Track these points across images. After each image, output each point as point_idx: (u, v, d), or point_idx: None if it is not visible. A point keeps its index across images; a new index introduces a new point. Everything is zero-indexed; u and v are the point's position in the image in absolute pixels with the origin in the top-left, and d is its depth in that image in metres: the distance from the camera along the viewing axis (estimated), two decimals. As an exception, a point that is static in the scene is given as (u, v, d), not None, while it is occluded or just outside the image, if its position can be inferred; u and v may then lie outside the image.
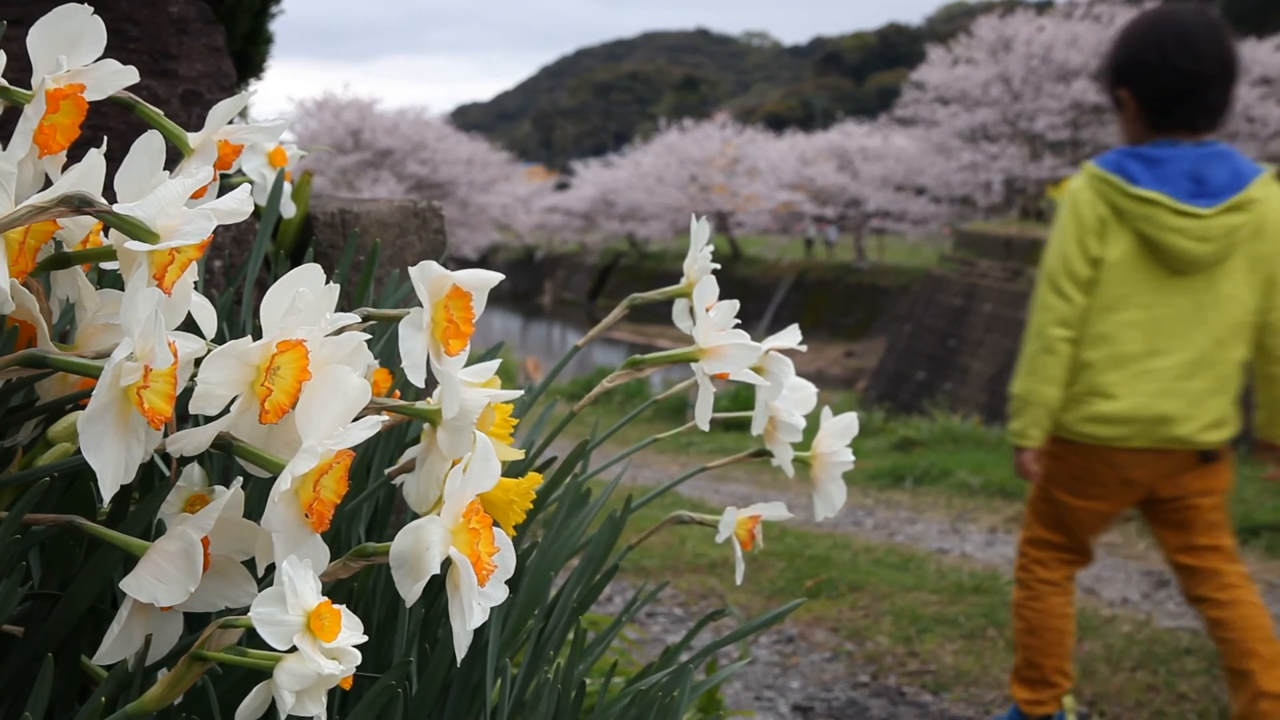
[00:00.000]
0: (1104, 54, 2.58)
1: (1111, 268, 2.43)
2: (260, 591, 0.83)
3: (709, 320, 1.20)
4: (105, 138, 1.02)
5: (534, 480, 1.01)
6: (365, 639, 0.84)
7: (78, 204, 0.86)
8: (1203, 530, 2.58)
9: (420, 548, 0.86)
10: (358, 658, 0.82)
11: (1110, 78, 2.54)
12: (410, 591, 0.86)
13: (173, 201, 0.86)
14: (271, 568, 0.86)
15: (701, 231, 1.23)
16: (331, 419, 0.86)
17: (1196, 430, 2.51)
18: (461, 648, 0.88)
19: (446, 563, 0.87)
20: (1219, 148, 2.44)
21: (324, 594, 0.83)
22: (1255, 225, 2.41)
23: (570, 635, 1.31)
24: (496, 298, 1.07)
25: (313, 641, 0.81)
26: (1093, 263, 2.44)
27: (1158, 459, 2.52)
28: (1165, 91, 2.42)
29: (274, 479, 0.85)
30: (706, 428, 1.21)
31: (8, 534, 0.89)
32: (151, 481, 1.12)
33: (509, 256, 39.40)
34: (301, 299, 0.87)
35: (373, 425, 0.85)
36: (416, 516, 0.95)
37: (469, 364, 1.00)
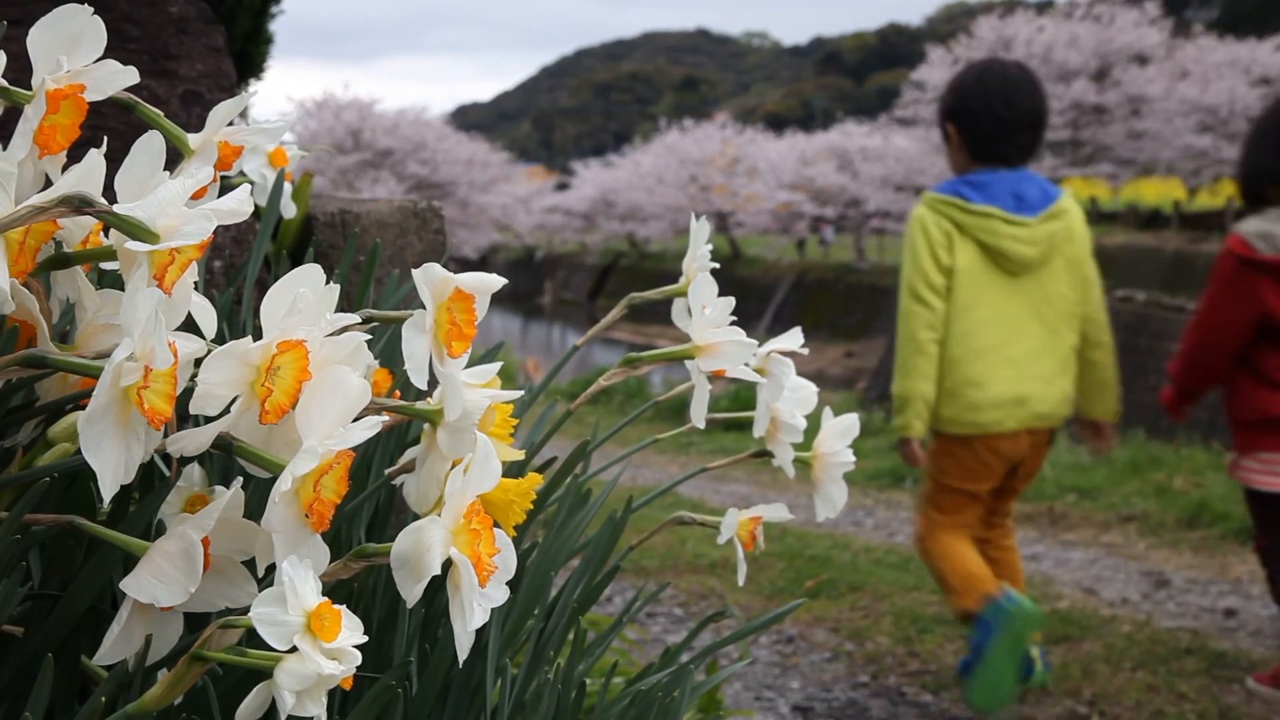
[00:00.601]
0: (943, 91, 3.08)
1: (961, 274, 2.83)
2: (260, 591, 0.83)
3: (705, 317, 1.20)
4: (105, 138, 1.02)
5: (534, 480, 1.01)
6: (365, 639, 0.84)
7: (78, 204, 0.86)
8: (1013, 495, 3.03)
9: (421, 548, 0.86)
10: (358, 658, 0.82)
11: (942, 114, 3.02)
12: (411, 592, 0.86)
13: (173, 202, 0.86)
14: (271, 568, 0.86)
15: (701, 231, 1.23)
16: (332, 419, 0.86)
17: (1053, 407, 2.89)
18: (463, 648, 0.88)
19: (447, 563, 0.87)
20: (1027, 173, 2.92)
21: (324, 594, 0.83)
22: (1067, 231, 2.88)
23: (570, 635, 1.31)
24: (497, 298, 1.07)
25: (313, 642, 0.81)
26: (945, 271, 2.83)
27: (1030, 435, 2.89)
28: (984, 133, 2.91)
29: (274, 479, 0.85)
30: (702, 425, 1.21)
31: (8, 534, 0.88)
32: (151, 481, 1.12)
33: (509, 257, 39.42)
34: (302, 299, 0.87)
35: (373, 426, 0.85)
36: (417, 517, 0.95)
37: (469, 365, 1.00)
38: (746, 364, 1.21)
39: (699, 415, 1.21)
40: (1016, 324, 2.85)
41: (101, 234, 0.96)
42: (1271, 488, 2.85)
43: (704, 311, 1.20)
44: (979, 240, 2.83)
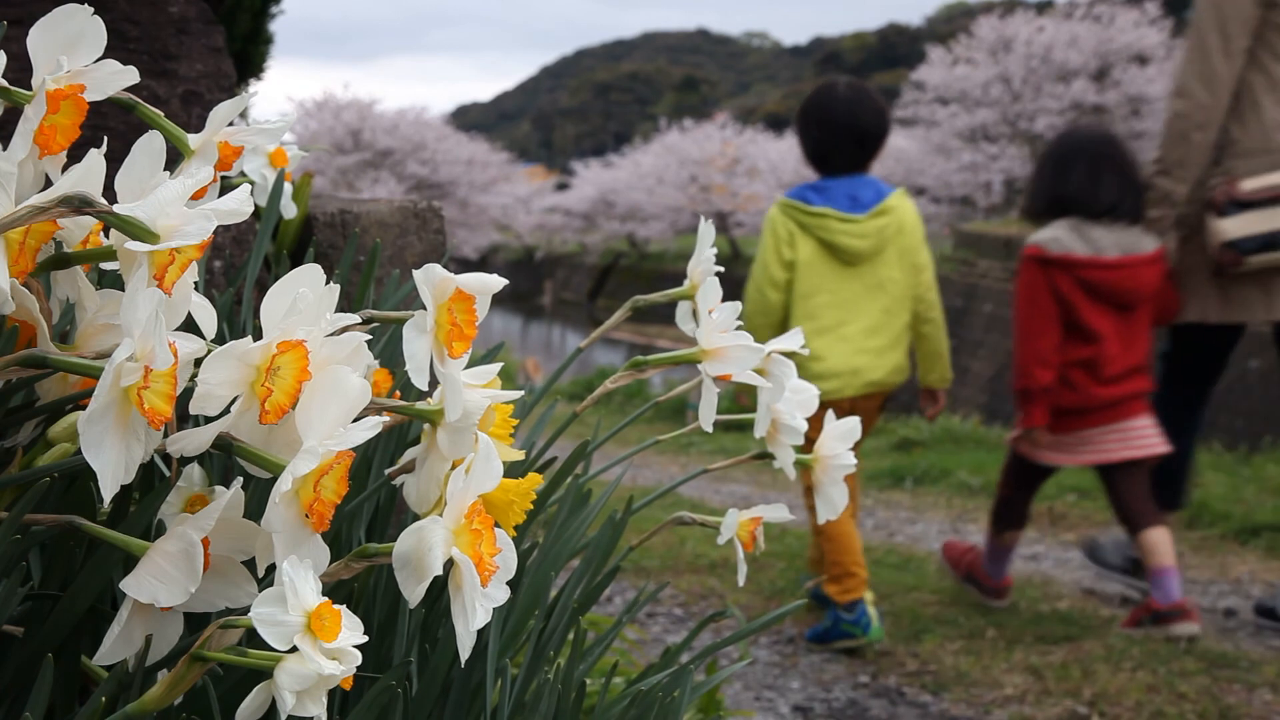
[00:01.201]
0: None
1: (803, 266, 3.33)
2: (260, 591, 0.83)
3: (712, 322, 1.20)
4: (105, 138, 1.02)
5: (534, 481, 1.01)
6: (365, 639, 0.84)
7: (78, 204, 0.85)
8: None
9: (423, 549, 0.86)
10: (358, 658, 0.82)
11: (796, 129, 3.53)
12: (414, 592, 0.86)
13: (173, 202, 0.86)
14: (271, 568, 0.86)
15: (707, 233, 1.23)
16: (332, 419, 0.86)
17: (884, 376, 3.34)
18: (465, 648, 0.88)
19: (449, 563, 0.87)
20: (865, 178, 3.43)
21: (324, 594, 0.83)
22: (897, 225, 3.36)
23: (571, 636, 1.31)
24: (497, 298, 1.07)
25: (313, 642, 0.81)
26: (787, 266, 3.34)
27: (866, 401, 3.31)
28: (813, 147, 3.44)
29: (274, 479, 0.85)
30: (710, 429, 1.22)
31: (8, 534, 0.88)
32: (151, 482, 1.12)
33: (509, 257, 39.40)
34: (302, 299, 0.87)
35: (373, 426, 0.85)
36: (417, 517, 0.95)
37: (470, 365, 1.00)
38: (745, 365, 1.21)
39: (707, 419, 1.21)
40: (853, 306, 3.33)
41: (101, 234, 0.96)
42: (1052, 462, 3.54)
43: (711, 316, 1.20)
44: (818, 237, 3.33)
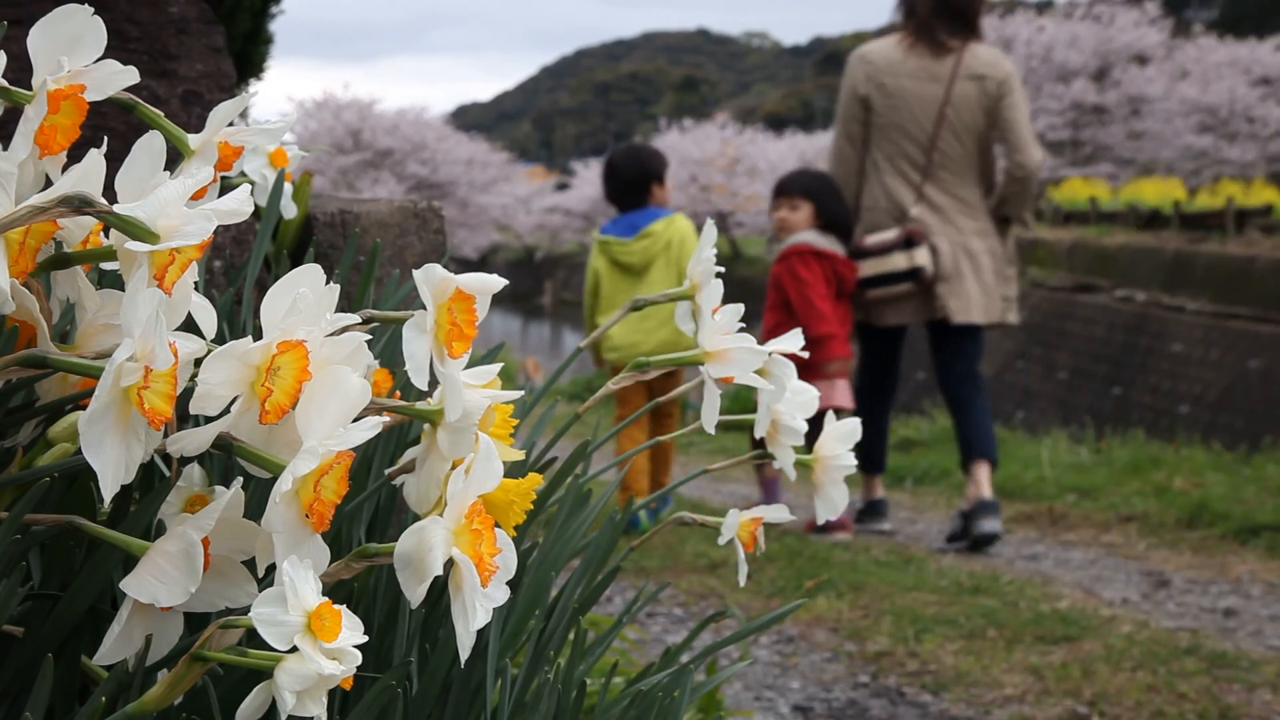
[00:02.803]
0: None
1: (602, 275, 4.76)
2: (260, 591, 0.83)
3: (714, 324, 1.20)
4: (106, 138, 1.02)
5: (534, 481, 1.01)
6: (366, 639, 0.84)
7: (78, 204, 0.85)
8: (668, 415, 4.75)
9: (424, 549, 0.86)
10: (358, 658, 0.82)
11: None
12: (415, 593, 0.86)
13: (173, 202, 0.86)
14: (271, 568, 0.86)
15: (709, 234, 1.23)
16: (332, 419, 0.86)
17: (653, 347, 4.41)
18: (465, 648, 0.88)
19: (449, 563, 0.87)
20: (647, 209, 4.69)
21: (324, 594, 0.83)
22: (663, 242, 4.62)
23: (571, 636, 1.31)
24: (497, 298, 1.07)
25: (313, 642, 0.81)
26: (594, 274, 4.79)
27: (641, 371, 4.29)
28: (611, 193, 4.85)
29: (274, 479, 0.85)
30: (713, 430, 1.22)
31: (8, 534, 0.88)
32: (151, 482, 1.12)
33: (509, 257, 39.38)
34: (302, 299, 0.87)
35: (373, 426, 0.85)
36: (417, 517, 0.95)
37: (470, 365, 1.00)
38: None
39: (710, 421, 1.21)
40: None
41: (101, 234, 0.96)
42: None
43: (713, 317, 1.20)
44: (607, 254, 4.73)
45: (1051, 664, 3.13)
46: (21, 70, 0.97)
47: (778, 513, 1.36)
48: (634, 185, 4.72)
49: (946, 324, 4.40)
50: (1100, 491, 5.53)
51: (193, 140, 1.07)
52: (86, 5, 0.96)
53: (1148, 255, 14.20)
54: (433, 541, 0.86)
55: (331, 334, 0.90)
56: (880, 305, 4.44)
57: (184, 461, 1.00)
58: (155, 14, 1.87)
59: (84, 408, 0.81)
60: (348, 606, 0.84)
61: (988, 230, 4.39)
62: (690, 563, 4.18)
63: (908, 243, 4.28)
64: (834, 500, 1.36)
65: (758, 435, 1.31)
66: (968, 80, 4.27)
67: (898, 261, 4.29)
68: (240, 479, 0.89)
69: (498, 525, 0.93)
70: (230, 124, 1.09)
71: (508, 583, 0.92)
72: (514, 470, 1.13)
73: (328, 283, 0.90)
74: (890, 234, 4.32)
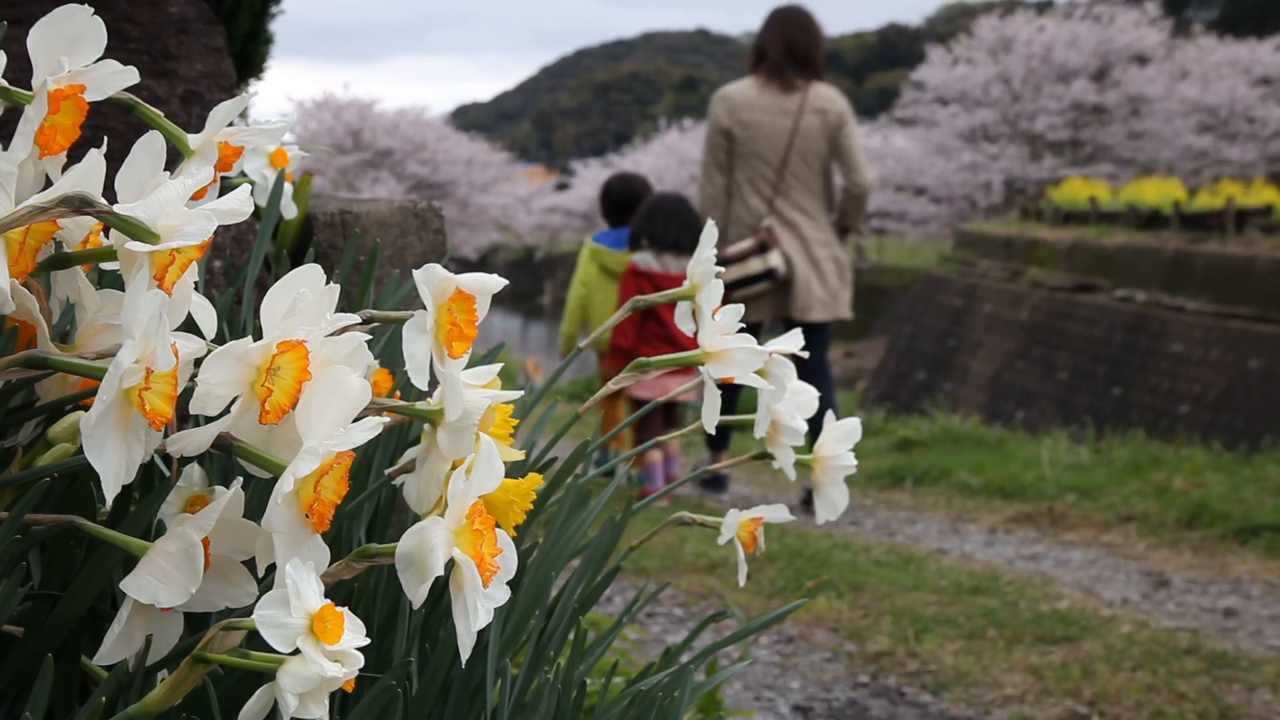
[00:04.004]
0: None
1: (592, 281, 5.50)
2: (260, 592, 0.83)
3: (714, 324, 1.20)
4: (105, 138, 1.02)
5: (534, 481, 1.01)
6: (367, 640, 0.84)
7: (78, 204, 0.85)
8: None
9: (425, 549, 0.86)
10: (360, 660, 0.82)
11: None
12: (416, 593, 0.86)
13: (173, 202, 0.86)
14: (272, 568, 0.86)
15: (709, 234, 1.23)
16: (332, 420, 0.86)
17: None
18: (466, 648, 0.88)
19: (450, 564, 0.87)
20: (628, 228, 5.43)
21: (324, 594, 0.83)
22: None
23: (571, 636, 1.31)
24: (497, 298, 1.07)
25: (316, 644, 0.81)
26: (586, 279, 5.53)
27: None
28: (606, 212, 5.74)
29: (274, 479, 0.85)
30: (714, 431, 1.22)
31: (8, 534, 0.88)
32: (151, 482, 1.12)
33: (509, 257, 39.38)
34: (302, 299, 0.87)
35: (373, 426, 0.85)
36: (417, 517, 0.95)
37: (470, 365, 1.00)
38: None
39: (711, 421, 1.21)
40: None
41: (101, 234, 0.96)
42: (637, 395, 5.02)
43: (713, 317, 1.20)
44: (599, 261, 5.50)
45: (1051, 664, 3.13)
46: (21, 70, 0.97)
47: (777, 512, 1.36)
48: (625, 205, 5.58)
49: (796, 321, 5.10)
50: (1100, 491, 5.53)
51: (193, 140, 1.07)
52: (86, 5, 0.96)
53: (1148, 255, 14.20)
54: (434, 542, 0.86)
55: (331, 334, 0.90)
56: (741, 305, 5.57)
57: (184, 461, 1.00)
58: (155, 14, 1.86)
59: (84, 408, 0.81)
60: (348, 606, 0.84)
61: (830, 239, 5.19)
62: (690, 563, 4.18)
63: (762, 249, 5.06)
64: (834, 501, 1.36)
65: (757, 435, 1.31)
66: (812, 114, 5.10)
67: (754, 265, 5.05)
68: (240, 479, 0.89)
69: (498, 525, 0.93)
70: (230, 124, 1.09)
71: (508, 583, 0.92)
72: (514, 470, 1.13)
73: (328, 283, 0.90)
74: (747, 243, 5.08)
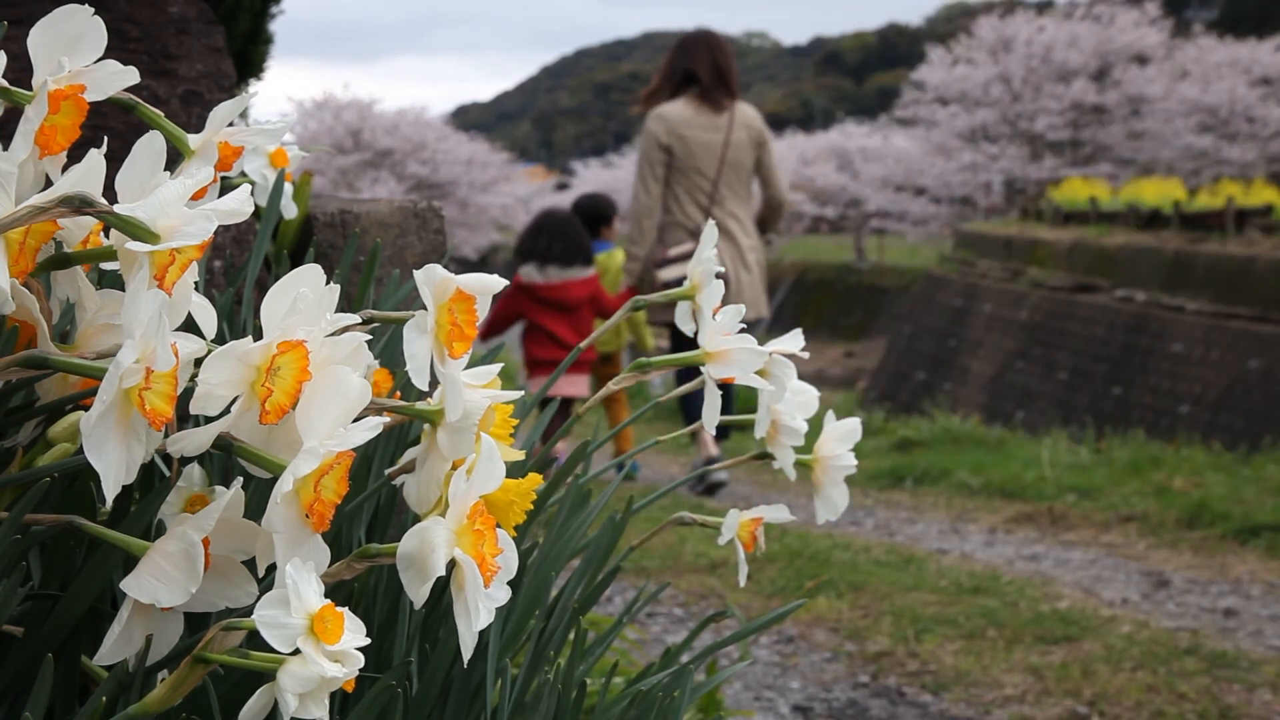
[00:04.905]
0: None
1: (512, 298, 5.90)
2: (260, 592, 0.83)
3: (714, 324, 1.20)
4: (105, 138, 1.02)
5: (534, 480, 1.01)
6: (368, 641, 0.84)
7: (78, 204, 0.85)
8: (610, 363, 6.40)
9: (426, 549, 0.86)
10: (360, 660, 0.82)
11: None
12: (418, 593, 0.86)
13: (173, 202, 0.86)
14: (272, 568, 0.86)
15: (709, 234, 1.23)
16: (332, 420, 0.86)
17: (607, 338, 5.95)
18: (467, 648, 0.88)
19: (451, 564, 0.87)
20: (600, 242, 6.12)
21: (325, 594, 0.83)
22: (603, 269, 6.12)
23: (571, 636, 1.31)
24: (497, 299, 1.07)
25: (316, 644, 0.81)
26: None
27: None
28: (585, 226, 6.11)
29: (274, 479, 0.85)
30: (714, 431, 1.22)
31: (8, 534, 0.88)
32: (152, 482, 1.12)
33: (509, 257, 39.32)
34: (302, 299, 0.87)
35: (374, 427, 0.85)
36: (417, 517, 0.95)
37: (470, 365, 1.00)
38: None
39: (711, 421, 1.21)
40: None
41: (102, 234, 0.96)
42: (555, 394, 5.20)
43: (713, 318, 1.20)
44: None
45: (1051, 664, 3.13)
46: (21, 70, 0.97)
47: (778, 512, 1.36)
48: (591, 224, 6.23)
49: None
50: (1100, 491, 5.53)
51: (193, 140, 1.07)
52: (86, 5, 0.96)
53: (1148, 255, 14.20)
54: (435, 542, 0.86)
55: (332, 334, 0.90)
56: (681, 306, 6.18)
57: (184, 461, 1.00)
58: (155, 14, 1.86)
59: (84, 408, 0.81)
60: (348, 606, 0.84)
61: (758, 245, 5.79)
62: (690, 563, 4.18)
63: None
64: (834, 501, 1.36)
65: (758, 436, 1.31)
66: (740, 129, 5.66)
67: None
68: (240, 479, 0.89)
69: (498, 525, 0.93)
70: (230, 124, 1.09)
71: (508, 583, 0.92)
72: (514, 470, 1.13)
73: (328, 283, 0.90)
74: (688, 245, 5.57)
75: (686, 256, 5.52)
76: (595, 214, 6.32)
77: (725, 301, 5.38)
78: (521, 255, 5.85)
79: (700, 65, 5.71)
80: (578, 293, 5.77)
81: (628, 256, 5.80)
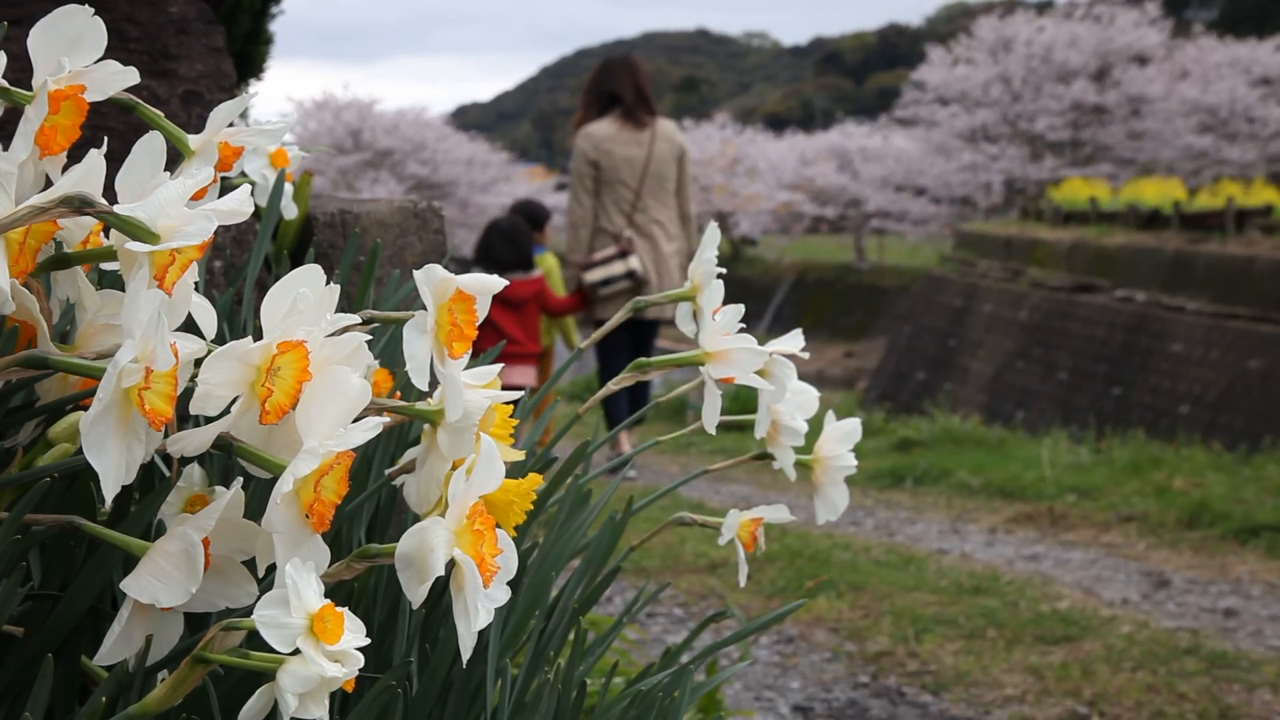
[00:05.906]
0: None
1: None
2: (260, 592, 0.83)
3: (715, 324, 1.20)
4: (105, 138, 1.02)
5: (534, 481, 1.01)
6: (367, 641, 0.84)
7: (78, 204, 0.85)
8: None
9: (425, 549, 0.86)
10: (360, 660, 0.82)
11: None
12: (416, 593, 0.86)
13: (173, 202, 0.86)
14: (272, 568, 0.86)
15: (711, 235, 1.23)
16: (332, 420, 0.86)
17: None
18: (467, 649, 0.88)
19: (450, 564, 0.87)
20: (535, 248, 6.44)
21: (324, 595, 0.83)
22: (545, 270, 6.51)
23: (571, 636, 1.31)
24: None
25: (316, 644, 0.81)
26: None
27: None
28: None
29: (274, 479, 0.85)
30: (714, 431, 1.22)
31: (8, 534, 0.88)
32: (152, 482, 1.12)
33: (509, 256, 39.27)
34: (302, 300, 0.87)
35: (374, 427, 0.85)
36: (417, 517, 0.95)
37: (470, 366, 1.00)
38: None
39: (711, 421, 1.21)
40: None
41: (102, 234, 0.96)
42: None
43: (714, 318, 1.20)
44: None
45: (1051, 664, 3.13)
46: (21, 70, 0.97)
47: (778, 512, 1.36)
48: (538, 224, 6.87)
49: (643, 319, 6.18)
50: (1100, 491, 5.53)
51: (193, 140, 1.07)
52: (86, 6, 0.96)
53: (1148, 255, 14.19)
54: (434, 542, 0.86)
55: (332, 334, 0.90)
56: (604, 302, 6.12)
57: (184, 461, 1.00)
58: (155, 14, 1.86)
59: (84, 408, 0.81)
60: (348, 606, 0.84)
61: (683, 248, 6.25)
62: (690, 563, 4.18)
63: (623, 254, 6.10)
64: (834, 501, 1.36)
65: (758, 436, 1.31)
66: (663, 142, 6.21)
67: (617, 268, 6.09)
68: (240, 479, 0.89)
69: (498, 525, 0.93)
70: (230, 124, 1.09)
71: (508, 583, 0.92)
72: (514, 470, 1.13)
73: (328, 283, 0.90)
74: (610, 250, 6.12)
75: (609, 260, 6.20)
76: (530, 220, 6.86)
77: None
78: (475, 261, 6.39)
79: (623, 87, 6.27)
80: (523, 291, 6.23)
81: (566, 263, 6.36)
